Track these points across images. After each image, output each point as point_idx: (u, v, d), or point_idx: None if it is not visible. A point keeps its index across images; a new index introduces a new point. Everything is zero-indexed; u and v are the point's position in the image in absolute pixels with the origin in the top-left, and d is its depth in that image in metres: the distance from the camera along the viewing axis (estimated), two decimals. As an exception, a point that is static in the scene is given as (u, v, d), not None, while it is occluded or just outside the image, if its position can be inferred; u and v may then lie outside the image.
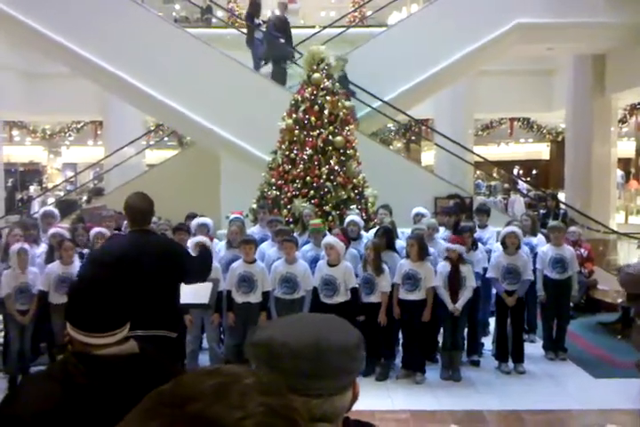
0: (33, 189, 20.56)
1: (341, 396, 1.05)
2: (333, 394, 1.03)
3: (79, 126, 17.51)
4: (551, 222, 6.70)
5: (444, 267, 5.54)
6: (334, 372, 1.03)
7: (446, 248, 5.61)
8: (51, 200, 15.01)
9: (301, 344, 1.02)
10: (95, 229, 6.15)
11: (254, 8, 9.55)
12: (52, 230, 6.10)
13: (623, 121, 14.40)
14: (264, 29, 9.38)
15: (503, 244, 5.86)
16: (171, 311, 3.57)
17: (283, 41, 9.00)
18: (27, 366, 5.42)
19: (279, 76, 8.97)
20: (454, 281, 5.47)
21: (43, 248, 6.04)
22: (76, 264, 5.56)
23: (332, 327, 1.09)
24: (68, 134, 18.00)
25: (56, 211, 7.13)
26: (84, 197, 16.66)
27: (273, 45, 8.87)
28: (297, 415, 0.68)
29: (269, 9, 11.59)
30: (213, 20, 15.25)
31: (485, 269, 6.01)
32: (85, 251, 6.03)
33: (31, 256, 5.62)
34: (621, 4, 9.51)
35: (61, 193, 17.31)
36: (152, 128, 15.49)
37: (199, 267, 3.80)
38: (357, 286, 5.47)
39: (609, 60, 11.26)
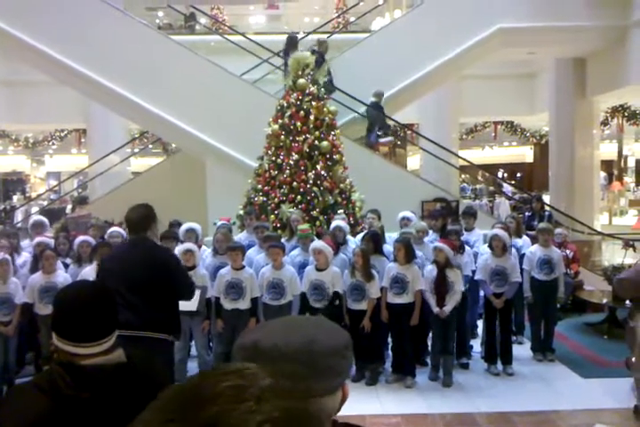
0: (16, 198, 20.36)
1: (332, 396, 1.04)
2: (324, 395, 1.02)
3: (62, 135, 17.37)
4: (540, 224, 6.76)
5: (430, 271, 5.54)
6: (325, 373, 1.02)
7: (434, 247, 5.61)
8: (34, 209, 14.86)
9: (291, 346, 1.01)
10: (80, 238, 6.09)
11: (291, 45, 9.54)
12: (36, 239, 6.04)
13: (605, 123, 14.57)
14: None
15: (490, 246, 5.89)
16: (167, 315, 3.65)
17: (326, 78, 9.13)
18: (11, 378, 5.34)
19: None
20: (441, 285, 5.47)
21: (24, 258, 5.95)
22: (59, 273, 5.50)
23: (321, 328, 1.08)
24: (51, 143, 17.85)
25: (45, 220, 7.06)
26: (69, 206, 16.52)
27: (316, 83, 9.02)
28: (314, 420, 0.68)
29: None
30: (196, 27, 15.25)
31: (473, 272, 6.04)
32: (68, 260, 5.97)
33: (16, 266, 5.56)
34: (601, 8, 9.64)
35: (45, 202, 17.13)
36: (136, 136, 15.41)
37: (185, 282, 3.91)
38: (341, 291, 5.46)
39: (590, 63, 11.39)
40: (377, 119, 9.44)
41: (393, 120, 10.49)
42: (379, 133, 9.44)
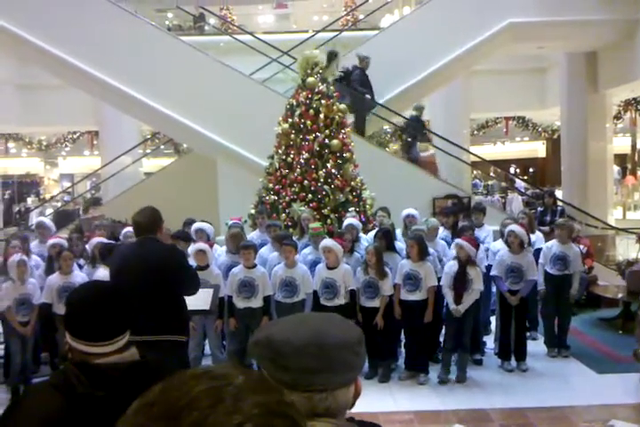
0: (30, 200, 20.54)
1: (344, 390, 1.06)
2: (336, 389, 1.05)
3: (75, 137, 17.50)
4: (559, 220, 6.73)
5: (451, 267, 5.50)
6: (337, 367, 1.04)
7: (455, 243, 5.51)
8: (49, 211, 15.00)
9: (304, 341, 1.04)
10: (95, 239, 6.16)
11: (331, 61, 9.45)
12: (51, 241, 6.10)
13: (618, 117, 14.42)
14: (344, 81, 9.30)
15: (507, 242, 5.85)
16: (176, 316, 3.65)
17: (369, 97, 9.16)
18: (29, 378, 5.41)
19: (359, 125, 9.29)
20: (460, 283, 5.43)
21: (34, 261, 6.00)
22: (77, 273, 5.58)
23: (332, 324, 1.11)
24: (64, 145, 17.99)
25: (48, 221, 7.12)
26: (82, 207, 16.66)
27: (358, 99, 9.07)
28: (293, 410, 0.67)
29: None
30: (206, 27, 15.31)
31: (487, 268, 6.02)
32: (81, 261, 6.04)
33: (32, 267, 5.63)
34: (612, 1, 9.55)
35: (59, 204, 17.29)
36: (148, 136, 15.50)
37: (192, 280, 3.88)
38: (355, 288, 5.47)
39: (601, 56, 11.29)
40: (418, 133, 9.48)
41: (403, 117, 10.46)
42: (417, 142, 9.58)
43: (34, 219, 14.20)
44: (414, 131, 9.76)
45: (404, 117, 9.57)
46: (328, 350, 1.03)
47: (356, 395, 1.10)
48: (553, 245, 6.15)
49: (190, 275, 3.88)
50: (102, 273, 5.40)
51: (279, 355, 1.03)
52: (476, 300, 5.52)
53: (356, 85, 9.07)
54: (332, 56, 9.19)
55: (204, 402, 0.63)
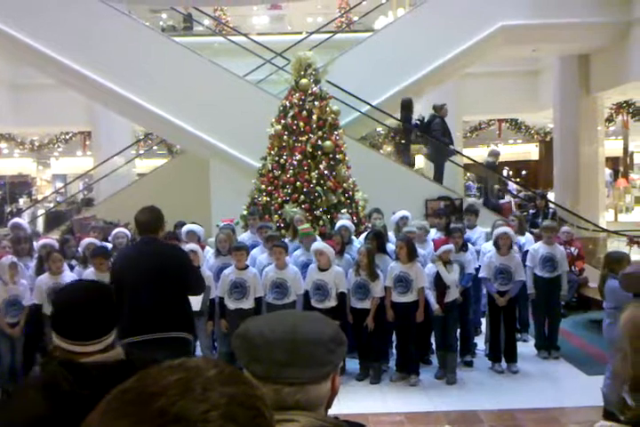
0: (22, 201, 20.44)
1: (316, 386, 1.07)
2: (307, 384, 1.05)
3: (68, 137, 17.42)
4: (544, 222, 6.77)
5: (430, 268, 5.56)
6: (307, 361, 1.06)
7: (440, 251, 5.56)
8: (41, 212, 14.94)
9: (277, 334, 1.07)
10: (86, 240, 6.15)
11: (407, 111, 9.43)
12: (41, 241, 6.09)
13: (610, 120, 14.50)
14: (420, 129, 9.35)
15: (496, 244, 5.87)
16: (182, 314, 3.67)
17: (452, 147, 9.25)
18: (20, 379, 5.38)
19: (439, 174, 9.42)
20: (441, 282, 5.49)
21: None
22: (66, 274, 5.55)
23: (309, 320, 1.13)
24: (56, 145, 17.90)
25: (23, 222, 7.19)
26: (75, 208, 16.59)
27: (439, 149, 9.11)
28: (260, 403, 0.70)
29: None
30: (200, 28, 15.29)
31: (477, 270, 6.04)
32: (74, 262, 6.03)
33: (22, 269, 5.61)
34: (603, 4, 9.62)
35: (51, 205, 17.21)
36: (141, 137, 15.47)
37: (198, 279, 3.91)
38: (346, 291, 5.48)
39: (593, 59, 11.36)
40: (495, 180, 9.55)
41: (396, 119, 10.46)
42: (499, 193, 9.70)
43: (26, 220, 14.13)
44: (491, 177, 9.73)
45: (481, 164, 9.56)
46: (299, 345, 1.06)
47: (333, 394, 1.11)
48: (540, 247, 6.19)
49: (195, 274, 3.91)
50: (89, 274, 5.41)
51: (253, 346, 1.06)
52: (461, 300, 5.56)
53: (437, 135, 9.09)
54: (408, 104, 9.20)
55: (174, 390, 0.66)
